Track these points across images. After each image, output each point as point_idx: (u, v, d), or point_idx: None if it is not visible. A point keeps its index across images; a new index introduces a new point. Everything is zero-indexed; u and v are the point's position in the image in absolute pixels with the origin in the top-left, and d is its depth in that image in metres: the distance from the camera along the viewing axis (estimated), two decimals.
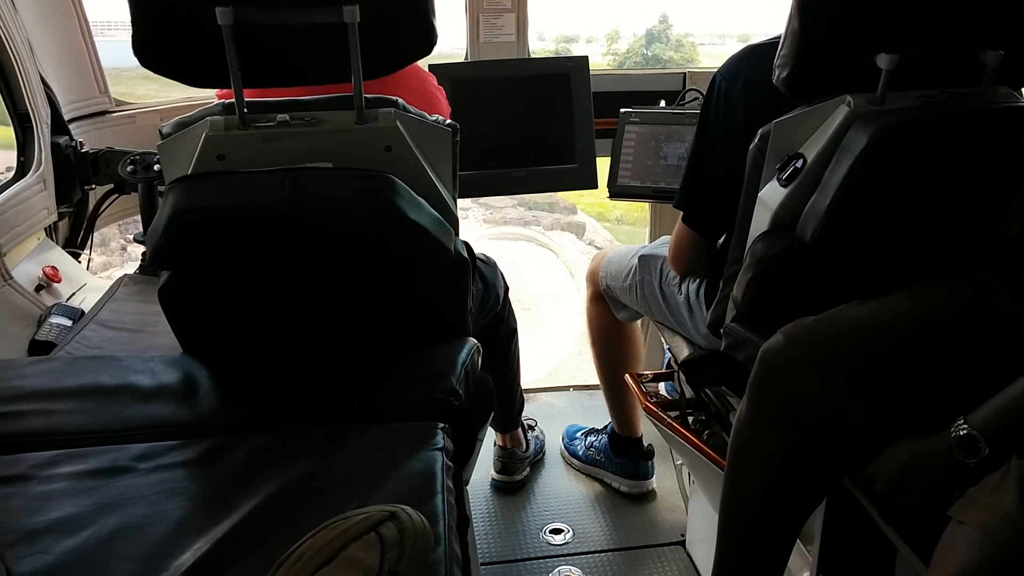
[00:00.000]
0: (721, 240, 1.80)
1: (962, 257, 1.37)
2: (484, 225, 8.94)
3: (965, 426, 1.09)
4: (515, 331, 2.39)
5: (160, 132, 1.36)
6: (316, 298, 1.41)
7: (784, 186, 1.44)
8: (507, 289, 2.31)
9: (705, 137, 1.67)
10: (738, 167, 1.55)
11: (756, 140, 1.48)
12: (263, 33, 1.26)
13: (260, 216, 1.27)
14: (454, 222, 1.45)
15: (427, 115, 1.42)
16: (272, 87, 1.39)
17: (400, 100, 1.40)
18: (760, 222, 1.50)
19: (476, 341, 1.52)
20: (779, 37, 1.50)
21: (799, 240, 1.42)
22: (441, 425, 1.25)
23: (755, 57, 1.57)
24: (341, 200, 1.28)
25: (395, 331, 1.48)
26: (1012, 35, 1.36)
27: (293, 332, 1.45)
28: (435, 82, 1.76)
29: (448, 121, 1.44)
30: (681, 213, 1.77)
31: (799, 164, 1.42)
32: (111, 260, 8.10)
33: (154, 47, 1.28)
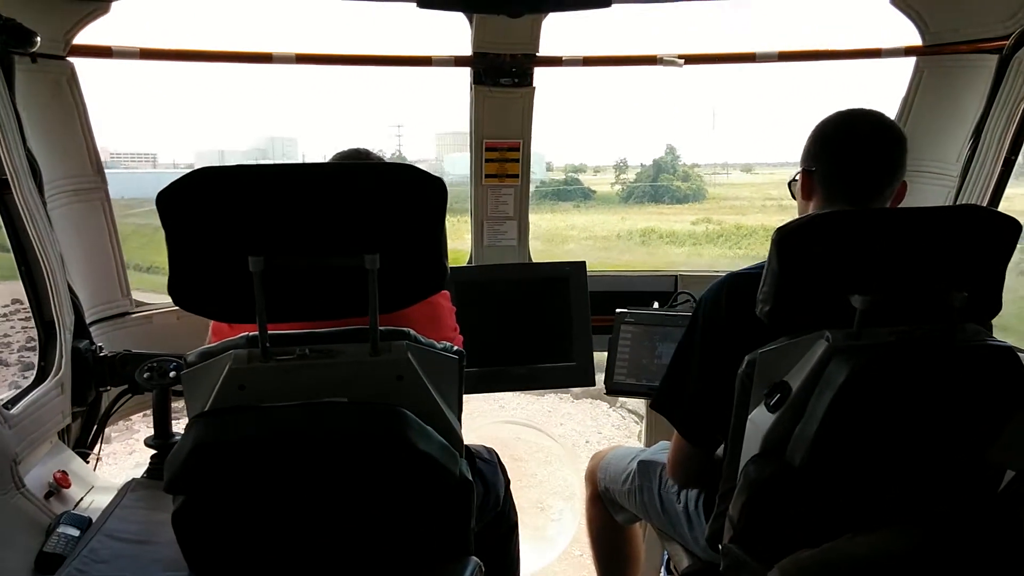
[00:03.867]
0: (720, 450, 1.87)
1: (948, 486, 1.44)
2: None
3: None
4: (515, 526, 2.38)
5: (185, 360, 1.45)
6: (324, 522, 1.45)
7: (772, 412, 1.52)
8: (508, 483, 2.33)
9: (691, 355, 1.77)
10: (720, 383, 1.65)
11: (743, 366, 1.57)
12: (289, 276, 1.38)
13: (278, 451, 1.34)
14: (458, 444, 1.51)
15: (435, 343, 1.52)
16: (294, 322, 1.49)
17: (411, 331, 1.50)
18: (752, 443, 1.57)
19: (478, 560, 1.55)
20: (757, 266, 1.66)
21: (789, 465, 1.49)
22: None
23: (734, 286, 1.71)
24: (355, 435, 1.35)
25: (399, 551, 1.51)
26: (975, 278, 1.49)
27: (301, 554, 1.48)
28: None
29: (456, 348, 1.53)
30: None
31: (785, 392, 1.51)
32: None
33: (188, 289, 1.39)
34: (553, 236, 14.43)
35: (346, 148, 1.97)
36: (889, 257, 1.46)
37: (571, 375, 2.69)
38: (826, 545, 1.36)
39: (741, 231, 15.20)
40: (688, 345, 1.79)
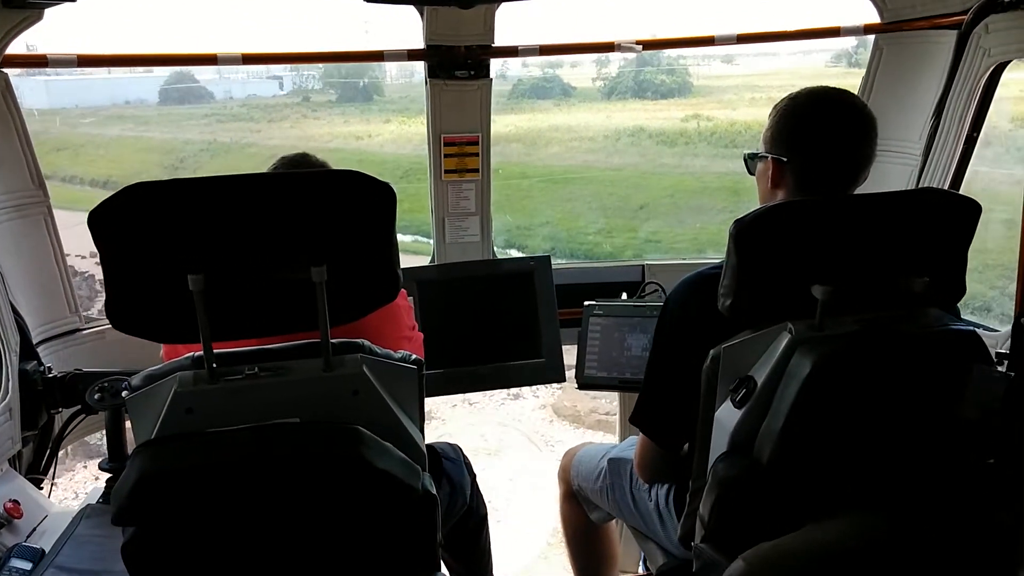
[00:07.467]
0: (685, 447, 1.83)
1: (917, 473, 1.43)
2: None
3: None
4: (485, 518, 2.35)
5: (129, 384, 1.39)
6: (282, 547, 1.39)
7: (738, 407, 1.49)
8: (474, 477, 2.29)
9: (659, 359, 1.74)
10: (689, 385, 1.60)
11: (708, 361, 1.54)
12: (233, 292, 1.32)
13: (228, 478, 1.28)
14: (420, 457, 1.46)
15: (393, 353, 1.47)
16: (241, 339, 1.43)
17: (366, 343, 1.44)
18: (719, 440, 1.54)
19: (446, 574, 1.50)
20: (720, 265, 1.58)
21: (757, 462, 1.46)
22: None
23: (702, 285, 1.65)
24: (309, 457, 1.29)
25: (363, 571, 1.46)
26: (936, 263, 1.47)
27: None
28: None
29: (414, 357, 1.48)
30: None
31: (750, 386, 1.48)
32: None
33: (127, 311, 1.33)
34: (536, 139, 13.11)
35: (288, 154, 1.90)
36: (848, 245, 1.43)
37: (541, 372, 2.65)
38: (789, 535, 1.35)
39: (735, 127, 14.08)
40: (657, 352, 1.75)
